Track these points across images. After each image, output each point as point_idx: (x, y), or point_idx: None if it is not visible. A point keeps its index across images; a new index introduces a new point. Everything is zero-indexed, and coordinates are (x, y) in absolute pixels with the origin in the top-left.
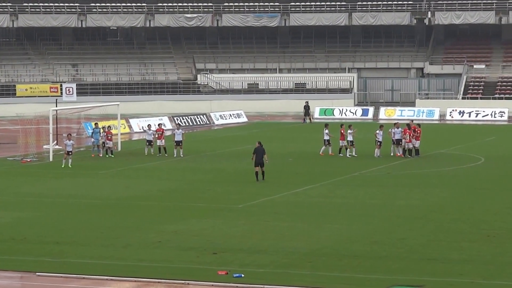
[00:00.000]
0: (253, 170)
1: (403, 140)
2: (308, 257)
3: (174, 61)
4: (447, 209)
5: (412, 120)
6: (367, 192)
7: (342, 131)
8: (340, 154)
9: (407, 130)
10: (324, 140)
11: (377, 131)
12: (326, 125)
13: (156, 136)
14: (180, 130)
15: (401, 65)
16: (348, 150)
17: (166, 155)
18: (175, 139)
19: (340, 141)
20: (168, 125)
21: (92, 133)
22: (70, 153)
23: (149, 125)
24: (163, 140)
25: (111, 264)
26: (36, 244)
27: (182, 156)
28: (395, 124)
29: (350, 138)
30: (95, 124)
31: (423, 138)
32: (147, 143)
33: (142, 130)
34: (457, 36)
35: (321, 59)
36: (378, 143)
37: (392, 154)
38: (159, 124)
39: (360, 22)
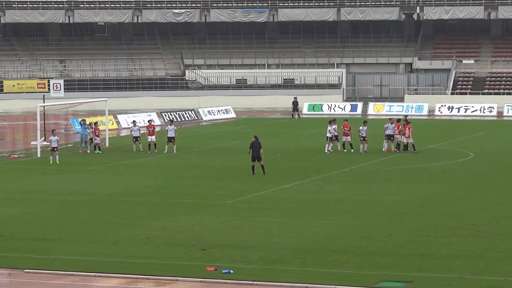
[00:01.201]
0: (249, 164)
1: (395, 136)
2: (297, 253)
3: (162, 57)
4: (436, 205)
5: (406, 116)
6: (356, 187)
7: (344, 127)
8: (345, 150)
9: (407, 125)
10: (329, 137)
11: (361, 127)
12: (333, 121)
13: (147, 132)
14: (173, 126)
15: (390, 60)
16: (327, 145)
17: (156, 151)
18: (168, 135)
19: (344, 137)
20: (156, 121)
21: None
22: (55, 149)
23: (134, 122)
24: (154, 136)
25: (99, 260)
26: (24, 240)
27: (175, 152)
28: (389, 119)
29: (328, 134)
30: (83, 120)
31: (412, 134)
32: (134, 140)
33: (128, 126)
34: (446, 31)
35: (310, 55)
36: (362, 138)
37: (384, 150)
38: (149, 120)
39: (348, 17)
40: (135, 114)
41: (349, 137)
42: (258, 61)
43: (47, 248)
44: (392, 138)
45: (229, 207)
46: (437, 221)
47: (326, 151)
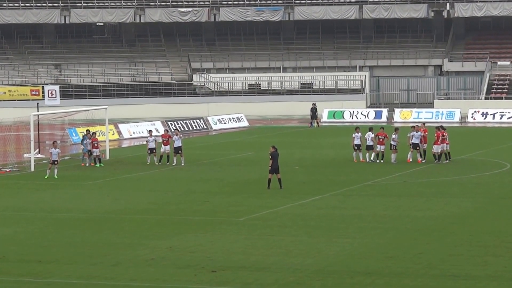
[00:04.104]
0: (264, 178)
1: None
2: (316, 274)
3: (167, 60)
4: (469, 221)
5: (424, 123)
6: (381, 202)
7: (379, 135)
8: (379, 161)
9: (437, 132)
10: (367, 145)
11: (393, 136)
12: (370, 129)
13: (162, 142)
14: (180, 136)
15: (417, 62)
16: (354, 154)
17: (167, 163)
18: (174, 146)
19: (378, 146)
20: (161, 131)
21: (82, 140)
22: (55, 162)
23: (150, 131)
24: (168, 147)
25: (99, 284)
26: (17, 263)
27: (183, 164)
28: (413, 127)
29: (357, 142)
30: (87, 130)
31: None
32: (149, 151)
33: (130, 136)
34: (479, 30)
35: (329, 57)
36: (394, 148)
37: (411, 160)
38: (165, 130)
39: (371, 15)
40: (138, 123)
41: (383, 146)
42: (273, 64)
43: (42, 270)
44: (417, 148)
45: (242, 224)
46: (470, 238)
47: (368, 160)
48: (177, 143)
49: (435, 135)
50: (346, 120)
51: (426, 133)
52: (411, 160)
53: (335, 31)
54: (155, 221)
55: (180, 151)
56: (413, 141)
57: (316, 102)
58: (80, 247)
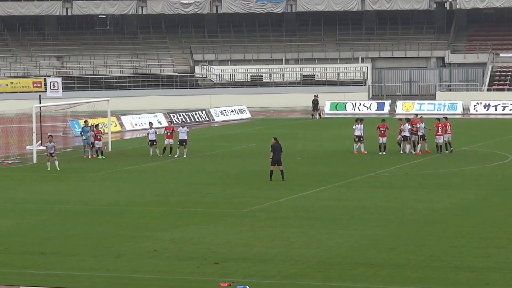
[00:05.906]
0: (267, 169)
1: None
2: (318, 266)
3: (170, 52)
4: (471, 212)
5: (417, 115)
6: (383, 194)
7: (380, 127)
8: (381, 153)
9: (439, 124)
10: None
11: (408, 126)
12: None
13: (166, 134)
14: (185, 128)
15: (419, 54)
16: (355, 145)
17: (170, 155)
18: (179, 138)
19: (380, 138)
20: (163, 122)
21: (81, 132)
22: (52, 154)
23: (150, 123)
24: (172, 139)
25: (101, 276)
26: (19, 254)
27: (185, 156)
28: (405, 119)
29: (358, 133)
30: (85, 121)
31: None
32: (150, 143)
33: (132, 128)
34: (481, 22)
35: (332, 48)
36: (408, 139)
37: (414, 152)
38: (169, 122)
39: (374, 7)
40: (140, 115)
41: (385, 138)
42: (275, 56)
43: (45, 262)
44: (426, 139)
45: (245, 216)
46: (472, 230)
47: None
48: (183, 136)
49: (434, 126)
50: (348, 111)
51: (418, 124)
52: (421, 152)
53: (337, 23)
54: (157, 213)
55: (184, 143)
56: (419, 133)
57: (318, 94)
58: (83, 239)
